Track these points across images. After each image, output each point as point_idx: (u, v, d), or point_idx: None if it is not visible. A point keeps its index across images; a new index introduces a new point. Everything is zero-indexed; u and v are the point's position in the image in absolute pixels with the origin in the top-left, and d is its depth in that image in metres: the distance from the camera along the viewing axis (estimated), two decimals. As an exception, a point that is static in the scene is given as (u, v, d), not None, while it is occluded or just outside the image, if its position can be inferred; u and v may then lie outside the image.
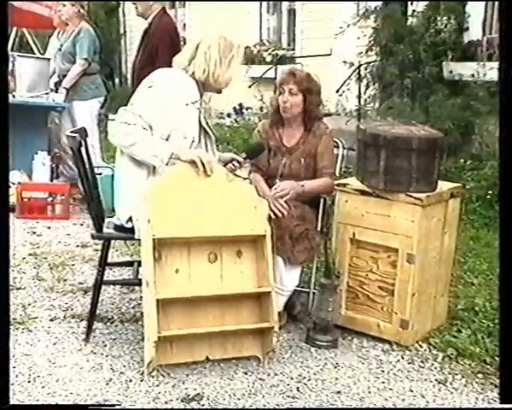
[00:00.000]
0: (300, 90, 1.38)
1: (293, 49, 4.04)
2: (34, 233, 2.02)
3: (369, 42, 2.69)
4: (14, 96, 2.26)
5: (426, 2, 2.60)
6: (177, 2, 5.00)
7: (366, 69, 2.78)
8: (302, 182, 1.33)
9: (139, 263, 1.37)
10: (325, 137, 1.42)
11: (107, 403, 1.05)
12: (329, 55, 3.42)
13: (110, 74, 4.98)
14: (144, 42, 2.06)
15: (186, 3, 4.88)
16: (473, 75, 2.40)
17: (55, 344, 1.26)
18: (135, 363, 1.18)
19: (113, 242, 1.44)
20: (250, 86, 3.87)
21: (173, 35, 2.02)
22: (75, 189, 2.34)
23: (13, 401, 0.99)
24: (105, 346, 1.26)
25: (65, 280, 1.62)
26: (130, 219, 1.21)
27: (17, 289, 1.54)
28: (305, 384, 1.13)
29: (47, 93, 2.36)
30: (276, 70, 3.60)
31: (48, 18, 2.83)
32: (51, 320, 1.37)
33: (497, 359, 1.15)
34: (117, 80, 5.49)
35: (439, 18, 2.55)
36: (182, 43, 2.07)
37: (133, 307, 1.46)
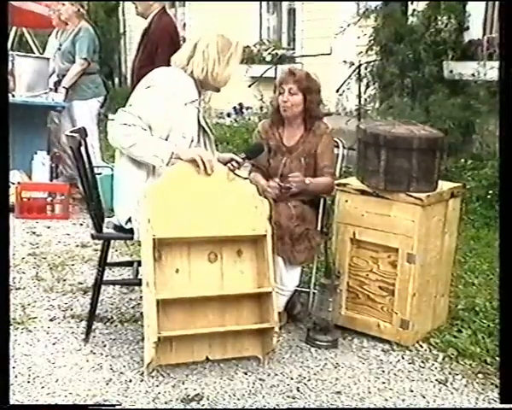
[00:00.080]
0: (300, 90, 1.38)
1: (293, 49, 4.03)
2: (34, 233, 2.02)
3: (370, 41, 2.69)
4: (13, 96, 2.26)
5: (426, 2, 2.59)
6: (177, 2, 4.99)
7: (366, 69, 2.77)
8: (308, 179, 1.32)
9: (139, 263, 1.37)
10: (325, 137, 1.42)
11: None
12: (329, 54, 3.42)
13: (110, 74, 4.98)
14: (144, 41, 2.06)
15: (186, 3, 4.88)
16: (473, 75, 2.40)
17: (54, 344, 1.26)
18: (134, 363, 1.18)
19: (112, 242, 1.44)
20: (250, 86, 3.86)
21: (173, 34, 2.02)
22: (75, 189, 2.34)
23: (12, 401, 0.99)
24: (105, 346, 1.26)
25: (64, 280, 1.62)
26: (129, 220, 1.21)
27: (16, 289, 1.54)
28: (305, 384, 1.13)
29: (46, 93, 2.36)
30: (276, 69, 3.59)
31: (47, 17, 2.83)
32: (51, 320, 1.37)
33: (497, 359, 1.15)
34: (116, 80, 5.49)
35: (439, 17, 2.55)
36: (182, 42, 2.06)
37: (133, 307, 1.45)
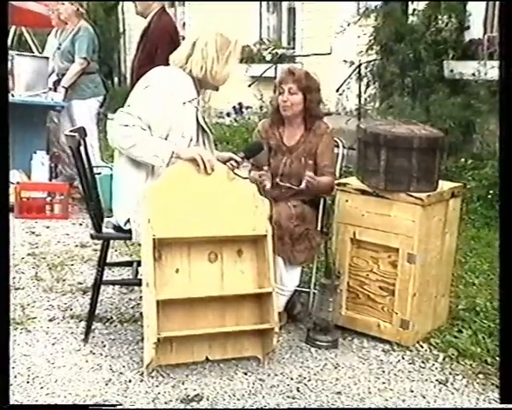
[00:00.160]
0: (300, 89, 1.38)
1: (293, 48, 4.02)
2: (33, 233, 2.02)
3: (370, 41, 2.68)
4: (12, 96, 2.26)
5: (426, 1, 2.58)
6: (177, 1, 4.98)
7: (366, 68, 2.77)
8: (316, 178, 1.31)
9: (138, 263, 1.37)
10: (326, 137, 1.41)
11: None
12: (329, 53, 3.41)
13: (109, 73, 4.97)
14: (143, 41, 2.05)
15: (185, 2, 4.87)
16: (474, 74, 2.39)
17: (53, 345, 1.26)
18: (134, 363, 1.18)
19: (112, 242, 1.44)
20: (250, 85, 3.85)
21: (173, 34, 2.01)
22: (74, 188, 2.34)
23: (11, 401, 0.98)
24: (104, 346, 1.25)
25: (64, 280, 1.62)
26: (128, 221, 1.20)
27: (16, 289, 1.53)
28: (306, 385, 1.13)
29: (45, 92, 2.35)
30: (275, 69, 3.58)
31: (47, 17, 2.82)
32: (50, 320, 1.37)
33: (498, 359, 1.15)
34: (116, 79, 5.48)
35: (439, 16, 2.54)
36: (181, 41, 2.06)
37: (132, 308, 1.45)
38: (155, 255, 1.12)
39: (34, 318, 1.38)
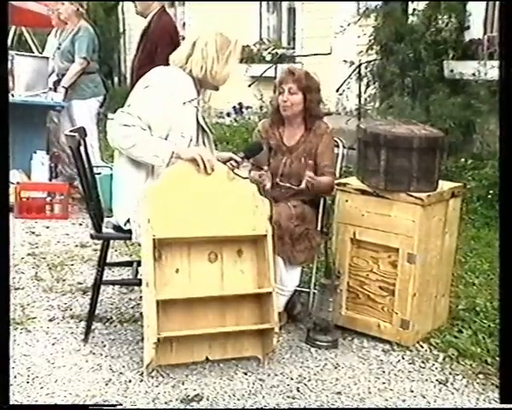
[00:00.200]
0: (300, 89, 1.38)
1: (293, 48, 4.02)
2: (33, 233, 2.02)
3: (370, 41, 2.68)
4: (12, 96, 2.26)
5: (426, 1, 2.58)
6: (177, 1, 4.98)
7: (366, 68, 2.76)
8: (317, 178, 1.31)
9: (138, 263, 1.37)
10: (326, 137, 1.41)
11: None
12: (329, 53, 3.41)
13: (109, 73, 4.97)
14: (143, 41, 2.05)
15: (185, 2, 4.86)
16: (474, 74, 2.39)
17: (53, 345, 1.26)
18: (134, 363, 1.18)
19: (112, 242, 1.43)
20: (250, 85, 3.85)
21: (173, 34, 2.01)
22: (74, 188, 2.34)
23: (11, 401, 0.98)
24: (104, 346, 1.25)
25: (64, 280, 1.62)
26: (128, 222, 1.20)
27: (16, 289, 1.53)
28: (306, 385, 1.13)
29: (45, 92, 2.35)
30: (275, 69, 3.58)
31: (47, 17, 2.82)
32: (50, 321, 1.37)
33: (498, 359, 1.15)
34: (116, 79, 5.48)
35: (439, 16, 2.54)
36: (181, 41, 2.06)
37: (132, 308, 1.45)
38: (155, 255, 1.12)
39: (34, 318, 1.38)
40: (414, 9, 2.64)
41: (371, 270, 1.31)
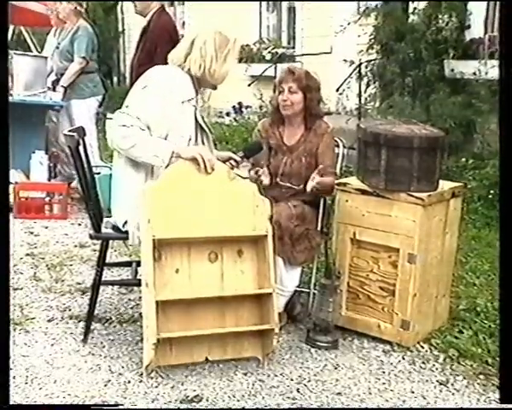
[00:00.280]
0: (300, 88, 1.37)
1: (293, 48, 4.02)
2: (32, 233, 2.01)
3: (370, 40, 2.67)
4: (11, 95, 2.25)
5: (427, 0, 2.57)
6: (176, 1, 4.96)
7: (367, 67, 2.76)
8: (320, 178, 1.31)
9: (138, 263, 1.36)
10: (326, 136, 1.41)
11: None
12: (330, 53, 3.41)
13: (108, 73, 4.97)
14: (143, 40, 2.05)
15: (185, 2, 4.85)
16: (474, 73, 2.38)
17: (52, 345, 1.25)
18: (133, 364, 1.17)
19: (111, 242, 1.44)
20: (249, 85, 3.85)
21: (172, 33, 2.00)
22: (73, 188, 2.33)
23: (10, 402, 0.98)
24: (103, 347, 1.25)
25: (63, 281, 1.61)
26: (126, 223, 1.20)
27: (14, 289, 1.53)
28: (305, 385, 1.12)
29: (44, 92, 2.34)
30: (275, 68, 3.58)
31: (45, 16, 2.81)
32: (49, 321, 1.36)
33: (498, 360, 1.14)
34: (115, 79, 5.47)
35: (440, 16, 2.53)
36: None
37: (131, 308, 1.45)
38: (155, 256, 1.11)
39: (33, 318, 1.37)
40: (414, 8, 2.63)
41: (371, 270, 1.30)
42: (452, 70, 2.51)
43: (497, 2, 2.47)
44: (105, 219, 1.27)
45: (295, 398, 1.08)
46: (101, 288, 1.33)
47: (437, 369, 1.20)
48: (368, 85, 2.77)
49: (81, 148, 1.23)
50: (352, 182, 1.34)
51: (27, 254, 1.79)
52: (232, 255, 1.17)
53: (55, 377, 1.12)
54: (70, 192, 2.30)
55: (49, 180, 2.35)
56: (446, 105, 2.38)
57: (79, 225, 2.13)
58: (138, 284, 1.22)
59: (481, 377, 1.16)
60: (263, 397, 1.08)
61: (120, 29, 5.47)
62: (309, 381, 1.14)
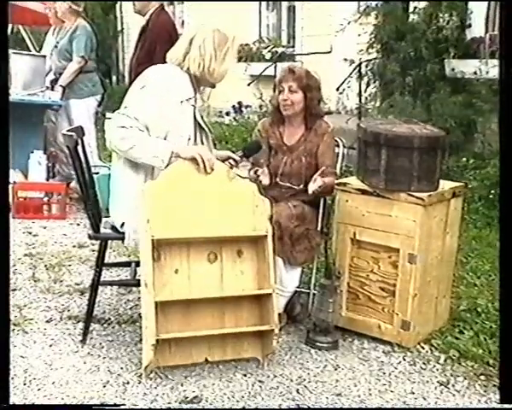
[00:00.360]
0: (300, 88, 1.37)
1: (293, 47, 4.01)
2: (30, 233, 2.00)
3: (370, 39, 2.67)
4: (9, 94, 2.24)
5: (427, -1, 2.58)
6: (176, 0, 4.95)
7: (367, 67, 2.75)
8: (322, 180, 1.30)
9: (137, 264, 1.36)
10: (327, 136, 1.40)
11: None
12: (330, 52, 3.40)
13: (107, 72, 4.94)
14: (142, 39, 2.04)
15: (184, 1, 4.83)
16: (475, 73, 2.38)
17: (51, 346, 1.25)
18: (132, 365, 1.17)
19: (110, 242, 1.43)
20: (249, 84, 3.84)
21: (171, 32, 2.00)
22: (72, 188, 2.32)
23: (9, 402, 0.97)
24: (102, 348, 1.24)
25: (61, 281, 1.61)
26: (124, 224, 1.19)
27: (13, 290, 1.52)
28: (305, 386, 1.12)
29: (43, 91, 2.33)
30: (275, 68, 3.57)
31: (44, 15, 2.79)
32: (47, 322, 1.36)
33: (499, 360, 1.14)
34: (114, 78, 5.46)
35: (440, 15, 2.52)
36: (180, 40, 2.04)
37: (131, 309, 1.44)
38: (154, 256, 1.10)
39: (31, 319, 1.37)
40: (415, 7, 2.62)
41: (371, 270, 1.30)
42: (453, 69, 2.50)
43: (498, 2, 2.46)
44: (104, 220, 1.26)
45: (295, 399, 1.08)
46: (100, 288, 1.33)
47: (437, 370, 1.20)
48: (368, 85, 2.76)
49: (80, 148, 1.23)
50: (352, 182, 1.33)
51: (26, 255, 1.78)
52: (232, 256, 1.17)
53: (53, 379, 1.12)
54: (69, 192, 2.30)
55: (48, 180, 2.34)
56: (447, 104, 2.37)
57: (78, 225, 2.12)
58: (137, 284, 1.21)
59: (482, 378, 1.16)
60: (262, 398, 1.08)
61: (119, 28, 5.45)
62: (309, 382, 1.14)
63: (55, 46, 2.40)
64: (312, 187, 1.27)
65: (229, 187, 1.16)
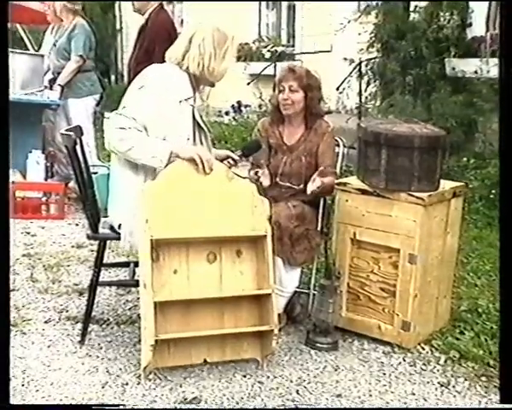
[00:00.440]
0: (301, 87, 1.36)
1: (293, 46, 4.01)
2: (28, 233, 1.99)
3: (371, 38, 2.66)
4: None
5: (428, -2, 2.57)
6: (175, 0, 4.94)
7: (367, 66, 2.74)
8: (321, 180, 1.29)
9: (135, 264, 1.35)
10: (327, 136, 1.39)
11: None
12: (330, 51, 3.39)
13: (106, 71, 4.92)
14: (141, 38, 2.04)
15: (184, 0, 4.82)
16: (476, 72, 2.37)
17: (49, 347, 1.24)
18: (131, 366, 1.16)
19: (109, 242, 1.42)
20: (249, 83, 3.84)
21: (170, 31, 1.99)
22: (70, 188, 2.31)
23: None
24: (101, 348, 1.24)
25: (60, 281, 1.60)
26: (121, 226, 1.18)
27: (11, 290, 1.51)
28: (305, 387, 1.11)
29: (41, 90, 2.32)
30: (275, 67, 3.56)
31: (42, 13, 2.78)
32: (46, 322, 1.35)
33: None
34: (113, 77, 5.44)
35: (441, 14, 2.52)
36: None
37: (129, 309, 1.43)
38: (153, 256, 1.10)
39: (29, 320, 1.36)
40: (415, 6, 2.62)
41: (372, 271, 1.29)
42: (453, 68, 2.50)
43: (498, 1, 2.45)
44: (102, 220, 1.25)
45: (295, 400, 1.07)
46: (99, 289, 1.32)
47: (438, 371, 1.20)
48: (368, 84, 2.75)
49: (78, 147, 1.22)
50: (352, 182, 1.33)
51: (24, 255, 1.77)
52: (231, 256, 1.16)
53: (51, 380, 1.11)
54: (67, 192, 2.29)
55: (46, 180, 2.33)
56: (447, 104, 2.37)
57: (76, 225, 2.11)
58: (136, 284, 1.21)
59: (483, 378, 1.15)
60: (262, 399, 1.07)
61: (118, 27, 5.45)
62: (309, 383, 1.13)
63: (54, 45, 2.39)
64: (311, 187, 1.26)
65: (228, 187, 1.16)
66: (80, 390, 1.08)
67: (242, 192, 1.16)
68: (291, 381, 1.13)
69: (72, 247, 1.87)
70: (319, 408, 1.04)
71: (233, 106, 4.07)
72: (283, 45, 4.06)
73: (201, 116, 1.24)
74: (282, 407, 1.05)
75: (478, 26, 2.56)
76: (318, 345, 1.27)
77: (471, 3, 2.56)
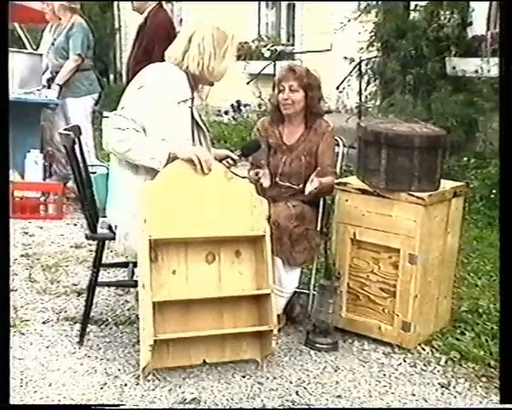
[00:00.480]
0: (301, 87, 1.35)
1: (293, 45, 4.00)
2: (26, 234, 1.99)
3: (371, 37, 2.65)
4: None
5: (428, -3, 2.56)
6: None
7: (367, 65, 2.73)
8: (320, 180, 1.29)
9: (134, 264, 1.34)
10: (327, 136, 1.39)
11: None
12: (329, 50, 3.38)
13: (104, 70, 4.91)
14: (140, 37, 2.03)
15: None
16: (476, 71, 2.36)
17: (47, 347, 1.23)
18: (130, 367, 1.16)
19: (107, 242, 1.39)
20: (248, 83, 3.83)
21: (170, 30, 1.99)
22: (69, 188, 2.30)
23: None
24: (99, 349, 1.23)
25: (58, 282, 1.59)
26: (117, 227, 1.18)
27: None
28: (305, 388, 1.11)
29: (39, 89, 2.31)
30: (274, 66, 3.55)
31: (40, 12, 2.77)
32: (44, 323, 1.35)
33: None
34: (111, 76, 5.42)
35: (442, 12, 2.50)
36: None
37: (128, 310, 1.43)
38: (152, 256, 1.09)
39: (28, 320, 1.35)
40: (416, 5, 2.60)
41: (372, 271, 1.29)
42: (454, 68, 2.49)
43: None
44: (101, 220, 1.24)
45: (294, 401, 1.07)
46: (98, 289, 1.32)
47: (438, 371, 1.19)
48: (368, 83, 2.74)
49: (77, 147, 1.21)
50: (352, 181, 1.32)
51: (22, 255, 1.77)
52: (230, 256, 1.16)
53: (50, 380, 1.11)
54: (65, 192, 2.28)
55: (45, 180, 2.32)
56: (448, 103, 2.36)
57: (75, 225, 2.10)
58: (135, 285, 1.20)
59: (483, 379, 1.15)
60: (262, 400, 1.07)
61: (117, 26, 5.42)
62: (308, 383, 1.13)
63: (52, 44, 2.38)
64: (309, 188, 1.26)
65: (226, 187, 1.15)
66: (79, 391, 1.08)
67: (241, 192, 1.16)
68: (291, 382, 1.13)
69: (71, 247, 1.87)
70: (319, 409, 1.04)
71: (232, 105, 4.06)
72: (283, 44, 4.04)
73: (200, 116, 1.24)
74: (281, 408, 1.04)
75: (478, 25, 2.56)
76: (318, 346, 1.26)
77: (472, 2, 2.55)
